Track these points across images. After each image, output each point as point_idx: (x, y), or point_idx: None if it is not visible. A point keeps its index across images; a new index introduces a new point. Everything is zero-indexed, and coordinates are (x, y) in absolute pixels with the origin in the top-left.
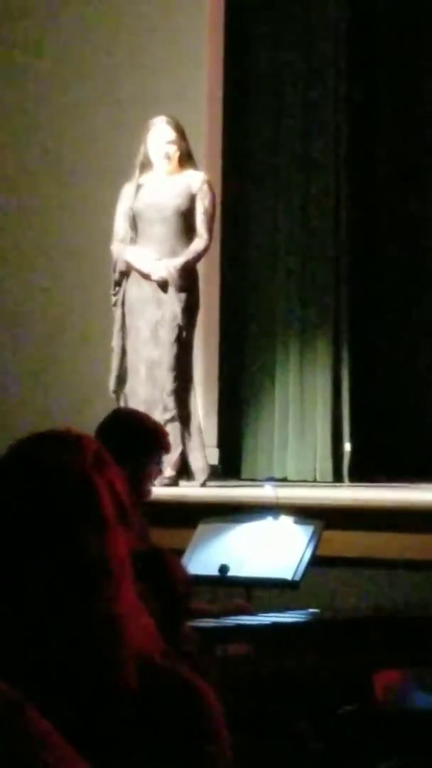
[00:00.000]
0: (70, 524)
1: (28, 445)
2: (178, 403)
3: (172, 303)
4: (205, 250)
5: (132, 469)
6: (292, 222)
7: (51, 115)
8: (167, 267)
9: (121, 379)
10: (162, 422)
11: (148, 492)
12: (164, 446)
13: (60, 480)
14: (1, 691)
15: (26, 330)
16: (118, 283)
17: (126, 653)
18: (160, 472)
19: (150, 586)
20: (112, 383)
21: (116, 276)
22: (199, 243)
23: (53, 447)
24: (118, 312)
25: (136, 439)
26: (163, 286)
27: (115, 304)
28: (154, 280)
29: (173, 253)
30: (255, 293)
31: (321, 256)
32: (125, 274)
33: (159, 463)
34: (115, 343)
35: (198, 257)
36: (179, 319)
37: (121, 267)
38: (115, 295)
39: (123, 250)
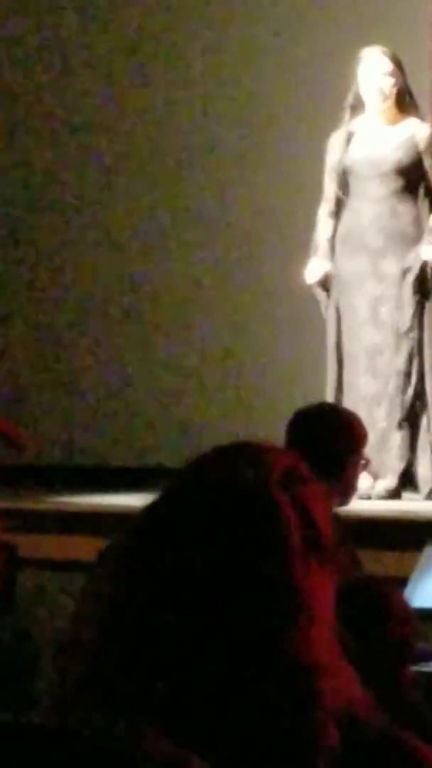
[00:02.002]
0: (243, 554)
1: (205, 459)
2: (405, 401)
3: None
4: None
5: (334, 472)
6: None
7: (239, 51)
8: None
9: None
10: (385, 421)
11: (351, 496)
12: (359, 443)
13: (230, 500)
14: (166, 752)
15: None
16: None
17: (322, 710)
18: (362, 468)
19: (360, 624)
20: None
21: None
22: None
23: (232, 461)
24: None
25: (329, 436)
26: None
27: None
28: None
29: (394, 215)
30: None
31: None
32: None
33: (360, 461)
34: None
35: None
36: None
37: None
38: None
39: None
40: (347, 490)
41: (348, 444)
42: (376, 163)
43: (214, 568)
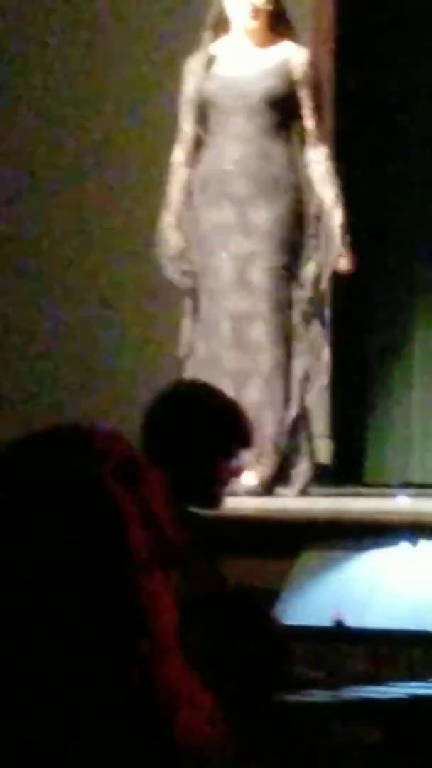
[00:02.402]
0: (71, 565)
1: (24, 445)
2: (280, 378)
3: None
4: None
5: (193, 470)
6: None
7: None
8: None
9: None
10: (256, 404)
11: (217, 500)
12: (242, 435)
13: (52, 495)
14: None
15: None
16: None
17: (174, 744)
18: (236, 472)
19: (221, 644)
20: (183, 346)
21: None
22: (322, 157)
23: (54, 449)
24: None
25: (199, 425)
26: None
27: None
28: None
29: (264, 157)
30: (380, 237)
31: None
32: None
33: (233, 459)
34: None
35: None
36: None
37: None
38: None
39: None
40: (216, 491)
41: (222, 435)
42: (241, 93)
43: (35, 583)
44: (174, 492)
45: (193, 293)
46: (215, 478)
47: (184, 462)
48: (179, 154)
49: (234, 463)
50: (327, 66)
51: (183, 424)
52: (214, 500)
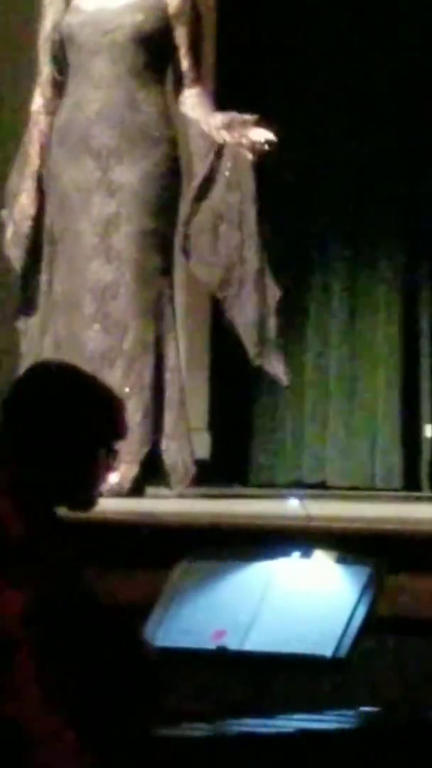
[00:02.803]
0: None
1: None
2: (148, 360)
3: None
4: None
5: (64, 466)
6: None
7: None
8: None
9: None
10: (119, 390)
11: (90, 502)
12: (117, 427)
13: None
14: None
15: None
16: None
17: None
18: (109, 468)
19: (86, 670)
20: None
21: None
22: (203, 94)
23: None
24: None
25: (66, 414)
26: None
27: None
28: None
29: (131, 105)
30: (280, 191)
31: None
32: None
33: (109, 454)
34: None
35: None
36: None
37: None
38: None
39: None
40: (86, 490)
41: (97, 424)
42: (105, 30)
43: None
44: (38, 492)
45: (49, 264)
46: (89, 475)
47: (52, 457)
48: (38, 101)
49: (109, 456)
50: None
51: (52, 412)
52: (88, 501)
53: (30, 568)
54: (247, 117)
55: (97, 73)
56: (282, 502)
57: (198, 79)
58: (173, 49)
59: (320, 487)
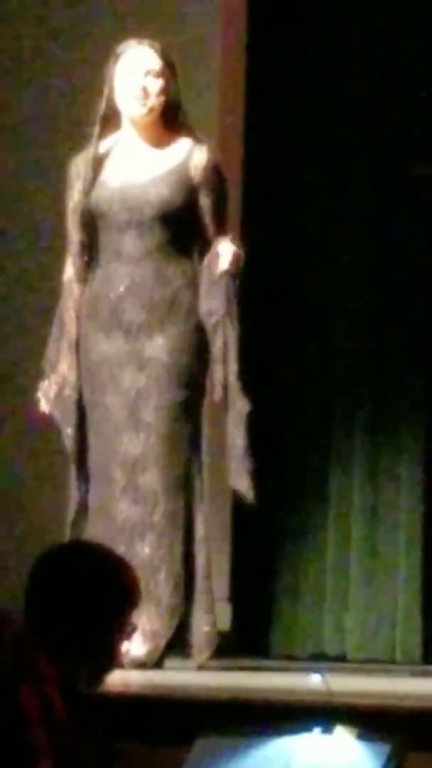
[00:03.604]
0: None
1: None
2: (177, 532)
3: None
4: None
5: (83, 638)
6: (357, 226)
7: None
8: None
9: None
10: (149, 562)
11: (106, 674)
12: (131, 592)
13: None
14: None
15: None
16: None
17: None
18: (126, 639)
19: None
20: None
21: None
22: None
23: None
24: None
25: (79, 593)
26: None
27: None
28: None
29: (159, 280)
30: (288, 348)
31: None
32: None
33: (125, 625)
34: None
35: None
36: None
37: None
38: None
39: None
40: (104, 664)
41: (112, 602)
42: (131, 207)
43: None
44: (69, 672)
45: (79, 434)
46: (108, 648)
47: (72, 629)
48: (69, 270)
49: (126, 627)
50: (235, 166)
51: (66, 594)
52: (105, 674)
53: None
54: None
55: (125, 248)
56: (302, 676)
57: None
58: (198, 218)
59: (340, 660)
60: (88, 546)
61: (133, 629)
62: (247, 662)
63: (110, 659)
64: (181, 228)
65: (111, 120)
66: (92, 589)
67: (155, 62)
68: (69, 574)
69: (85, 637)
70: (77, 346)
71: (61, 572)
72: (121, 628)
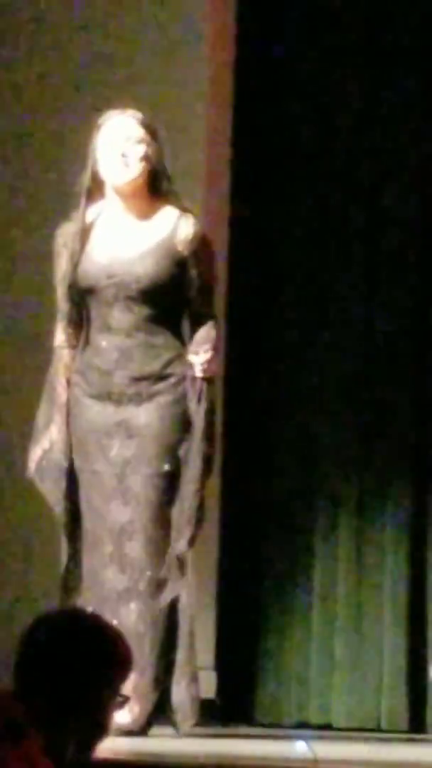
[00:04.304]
0: None
1: None
2: (160, 599)
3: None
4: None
5: (74, 708)
6: (346, 273)
7: None
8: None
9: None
10: (134, 628)
11: (96, 742)
12: (124, 662)
13: None
14: None
15: None
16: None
17: None
18: (117, 708)
19: None
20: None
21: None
22: (211, 329)
23: None
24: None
25: (76, 657)
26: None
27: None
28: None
29: (147, 352)
30: (275, 396)
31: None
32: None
33: (116, 695)
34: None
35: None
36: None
37: None
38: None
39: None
40: (95, 733)
41: (105, 672)
42: (120, 281)
43: None
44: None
45: (71, 499)
46: (99, 716)
47: (64, 698)
48: (59, 336)
49: (116, 697)
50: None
51: (60, 657)
52: (94, 745)
53: None
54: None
55: (114, 322)
56: (288, 744)
57: (208, 316)
58: (187, 290)
59: (326, 728)
60: (83, 614)
61: (125, 700)
62: (232, 730)
63: (101, 728)
64: (169, 301)
65: (96, 191)
66: (87, 658)
67: (136, 129)
68: (64, 642)
69: (77, 706)
70: (67, 412)
71: (55, 639)
72: (113, 698)
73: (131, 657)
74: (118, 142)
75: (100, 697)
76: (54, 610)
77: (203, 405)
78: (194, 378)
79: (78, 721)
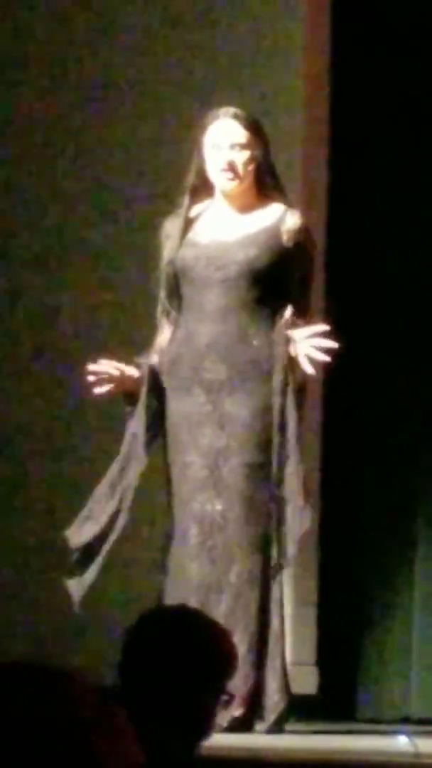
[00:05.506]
0: None
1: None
2: (254, 593)
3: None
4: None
5: (177, 710)
6: None
7: None
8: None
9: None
10: (224, 623)
11: (200, 739)
12: (231, 665)
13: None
14: None
15: None
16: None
17: None
18: (224, 705)
19: None
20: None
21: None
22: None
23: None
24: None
25: (185, 659)
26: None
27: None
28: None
29: (241, 338)
30: (376, 400)
31: None
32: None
33: (221, 696)
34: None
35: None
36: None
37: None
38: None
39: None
40: (199, 731)
41: (213, 670)
42: (218, 264)
43: None
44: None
45: (168, 491)
46: (204, 717)
47: (171, 695)
48: (167, 331)
49: (222, 697)
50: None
51: (168, 654)
52: (199, 741)
53: None
54: (313, 329)
55: (208, 306)
56: (390, 739)
57: (304, 311)
58: (286, 280)
59: (428, 723)
60: (190, 611)
61: (231, 698)
62: (334, 726)
63: (205, 727)
64: (265, 288)
65: (202, 190)
66: (195, 656)
67: (240, 134)
68: (173, 640)
69: (183, 703)
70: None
71: (164, 637)
72: (219, 697)
73: (237, 655)
74: (224, 149)
75: (206, 695)
76: (160, 608)
77: (293, 395)
78: (287, 364)
79: (183, 719)
